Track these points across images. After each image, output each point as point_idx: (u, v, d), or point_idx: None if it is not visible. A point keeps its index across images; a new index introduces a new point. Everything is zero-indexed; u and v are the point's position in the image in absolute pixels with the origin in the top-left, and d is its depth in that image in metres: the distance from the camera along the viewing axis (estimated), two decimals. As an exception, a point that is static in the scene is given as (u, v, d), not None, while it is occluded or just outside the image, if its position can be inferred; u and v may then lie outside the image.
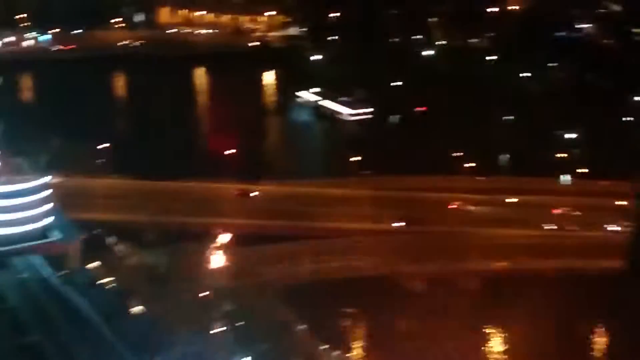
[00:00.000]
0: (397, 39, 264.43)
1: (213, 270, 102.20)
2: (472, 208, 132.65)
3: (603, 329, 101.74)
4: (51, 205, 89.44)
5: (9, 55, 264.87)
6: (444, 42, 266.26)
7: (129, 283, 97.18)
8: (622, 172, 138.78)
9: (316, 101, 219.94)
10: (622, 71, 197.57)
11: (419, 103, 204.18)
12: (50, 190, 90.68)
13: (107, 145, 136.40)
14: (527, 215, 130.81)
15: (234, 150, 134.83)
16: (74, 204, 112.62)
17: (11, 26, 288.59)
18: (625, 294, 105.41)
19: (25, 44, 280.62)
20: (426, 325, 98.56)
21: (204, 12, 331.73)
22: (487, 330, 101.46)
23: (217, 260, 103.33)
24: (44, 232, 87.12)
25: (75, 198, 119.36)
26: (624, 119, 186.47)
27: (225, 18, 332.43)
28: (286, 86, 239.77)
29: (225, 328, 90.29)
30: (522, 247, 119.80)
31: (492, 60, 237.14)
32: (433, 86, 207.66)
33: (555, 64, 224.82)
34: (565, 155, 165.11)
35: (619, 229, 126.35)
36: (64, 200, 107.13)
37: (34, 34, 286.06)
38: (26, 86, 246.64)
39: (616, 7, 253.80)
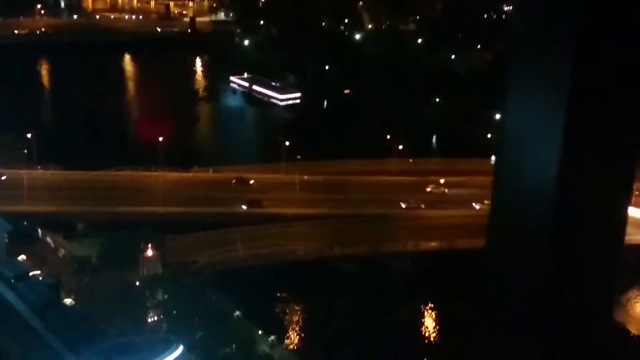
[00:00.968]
0: (326, 24, 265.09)
1: (144, 259, 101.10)
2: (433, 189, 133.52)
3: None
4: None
5: None
6: (371, 26, 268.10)
7: (59, 275, 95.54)
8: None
9: (247, 86, 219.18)
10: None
11: (348, 87, 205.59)
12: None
13: (32, 135, 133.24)
14: (456, 196, 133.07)
15: (163, 138, 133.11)
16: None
17: None
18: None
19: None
20: (358, 305, 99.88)
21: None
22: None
23: (149, 249, 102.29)
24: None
25: None
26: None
27: (153, 3, 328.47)
28: (216, 72, 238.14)
29: (157, 317, 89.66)
30: (453, 227, 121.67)
31: (420, 43, 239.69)
32: (363, 70, 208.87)
33: (480, 46, 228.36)
34: (492, 135, 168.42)
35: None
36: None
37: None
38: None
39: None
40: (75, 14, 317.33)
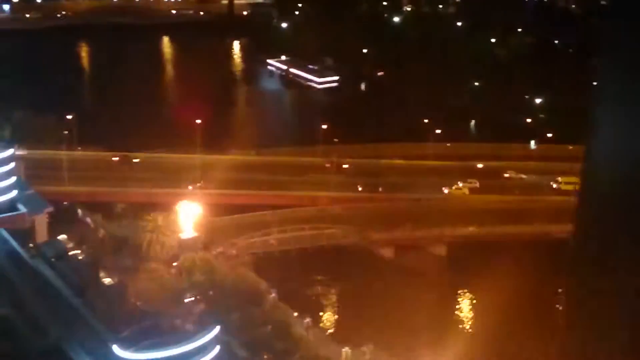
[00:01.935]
0: (364, 6, 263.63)
1: (182, 240, 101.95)
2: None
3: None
4: (16, 177, 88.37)
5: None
6: (410, 9, 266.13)
7: (98, 255, 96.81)
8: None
9: (284, 69, 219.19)
10: (586, 34, 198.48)
11: (387, 70, 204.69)
12: (15, 163, 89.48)
13: (72, 116, 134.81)
14: (496, 182, 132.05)
15: (201, 120, 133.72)
16: (40, 176, 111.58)
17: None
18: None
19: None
20: (396, 291, 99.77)
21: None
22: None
23: (186, 230, 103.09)
24: (10, 205, 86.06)
25: (41, 170, 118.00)
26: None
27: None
28: (254, 55, 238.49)
29: (195, 298, 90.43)
30: (493, 212, 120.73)
31: (459, 26, 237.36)
32: (401, 53, 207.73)
33: (522, 30, 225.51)
34: (531, 120, 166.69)
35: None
36: (29, 172, 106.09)
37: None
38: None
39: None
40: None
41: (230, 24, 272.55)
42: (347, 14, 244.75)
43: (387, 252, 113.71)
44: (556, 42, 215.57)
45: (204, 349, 60.30)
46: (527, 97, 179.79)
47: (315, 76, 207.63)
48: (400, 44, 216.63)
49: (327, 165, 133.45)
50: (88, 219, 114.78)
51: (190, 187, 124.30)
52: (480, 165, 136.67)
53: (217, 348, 61.61)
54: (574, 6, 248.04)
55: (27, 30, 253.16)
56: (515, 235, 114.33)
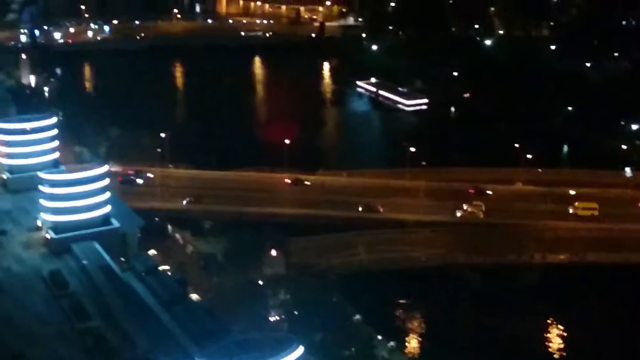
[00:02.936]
0: (455, 29, 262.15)
1: (269, 258, 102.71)
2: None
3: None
4: (111, 193, 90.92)
5: (72, 46, 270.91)
6: (503, 32, 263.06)
7: (187, 271, 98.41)
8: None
9: (373, 91, 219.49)
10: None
11: (476, 93, 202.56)
12: (110, 179, 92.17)
13: (165, 134, 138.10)
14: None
15: (290, 140, 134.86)
16: (133, 193, 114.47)
17: (76, 17, 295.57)
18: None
19: (89, 34, 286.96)
20: (483, 318, 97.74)
21: (262, 3, 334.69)
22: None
23: (274, 248, 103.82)
24: (104, 220, 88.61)
25: (134, 186, 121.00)
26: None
27: (284, 8, 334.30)
28: (343, 76, 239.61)
29: (279, 316, 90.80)
30: (585, 240, 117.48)
31: (554, 49, 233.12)
32: (492, 76, 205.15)
33: (618, 54, 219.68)
34: (627, 146, 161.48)
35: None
36: (123, 188, 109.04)
37: (95, 25, 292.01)
38: (86, 76, 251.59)
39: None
40: (209, 18, 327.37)
41: (321, 46, 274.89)
42: (438, 37, 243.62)
43: (475, 277, 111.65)
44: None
45: (287, 368, 60.39)
46: (622, 123, 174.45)
47: (404, 98, 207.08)
48: (491, 67, 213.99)
49: (470, 190, 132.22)
50: (177, 235, 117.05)
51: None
52: (572, 192, 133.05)
53: (301, 367, 61.58)
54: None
55: (125, 50, 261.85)
56: (611, 264, 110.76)
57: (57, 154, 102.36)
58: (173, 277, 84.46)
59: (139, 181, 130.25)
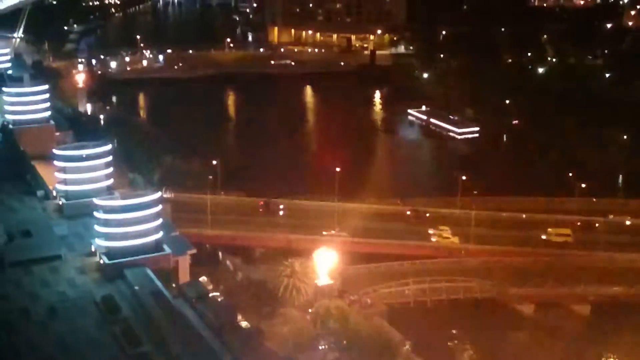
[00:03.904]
0: (508, 57, 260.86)
1: (318, 287, 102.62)
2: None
3: None
4: (163, 219, 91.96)
5: (128, 74, 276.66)
6: (555, 60, 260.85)
7: (237, 298, 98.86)
8: None
9: (424, 119, 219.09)
10: None
11: (529, 121, 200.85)
12: (162, 205, 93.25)
13: (217, 161, 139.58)
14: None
15: (340, 168, 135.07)
16: (184, 219, 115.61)
17: (131, 46, 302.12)
18: None
19: (144, 63, 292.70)
20: (534, 351, 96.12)
21: (314, 32, 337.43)
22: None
23: (322, 277, 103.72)
24: (156, 246, 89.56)
25: (185, 213, 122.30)
26: None
27: (335, 37, 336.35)
28: (394, 104, 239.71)
29: (328, 345, 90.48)
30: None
31: (608, 77, 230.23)
32: (545, 104, 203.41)
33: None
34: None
35: None
36: (175, 215, 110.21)
37: (150, 54, 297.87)
38: (141, 104, 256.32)
39: None
40: (261, 47, 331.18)
41: (372, 74, 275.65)
42: (490, 64, 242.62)
43: (526, 309, 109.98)
44: None
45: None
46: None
47: (455, 126, 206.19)
48: (544, 95, 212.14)
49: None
50: (228, 262, 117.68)
51: (324, 233, 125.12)
52: (628, 222, 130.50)
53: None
54: None
55: (179, 78, 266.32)
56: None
57: (111, 181, 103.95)
58: (223, 304, 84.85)
59: None
